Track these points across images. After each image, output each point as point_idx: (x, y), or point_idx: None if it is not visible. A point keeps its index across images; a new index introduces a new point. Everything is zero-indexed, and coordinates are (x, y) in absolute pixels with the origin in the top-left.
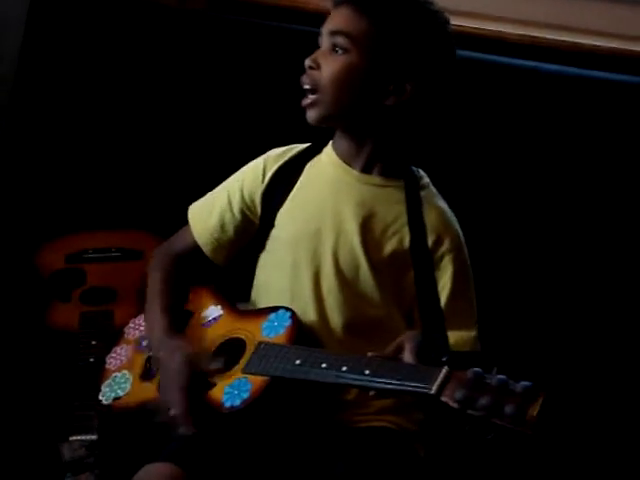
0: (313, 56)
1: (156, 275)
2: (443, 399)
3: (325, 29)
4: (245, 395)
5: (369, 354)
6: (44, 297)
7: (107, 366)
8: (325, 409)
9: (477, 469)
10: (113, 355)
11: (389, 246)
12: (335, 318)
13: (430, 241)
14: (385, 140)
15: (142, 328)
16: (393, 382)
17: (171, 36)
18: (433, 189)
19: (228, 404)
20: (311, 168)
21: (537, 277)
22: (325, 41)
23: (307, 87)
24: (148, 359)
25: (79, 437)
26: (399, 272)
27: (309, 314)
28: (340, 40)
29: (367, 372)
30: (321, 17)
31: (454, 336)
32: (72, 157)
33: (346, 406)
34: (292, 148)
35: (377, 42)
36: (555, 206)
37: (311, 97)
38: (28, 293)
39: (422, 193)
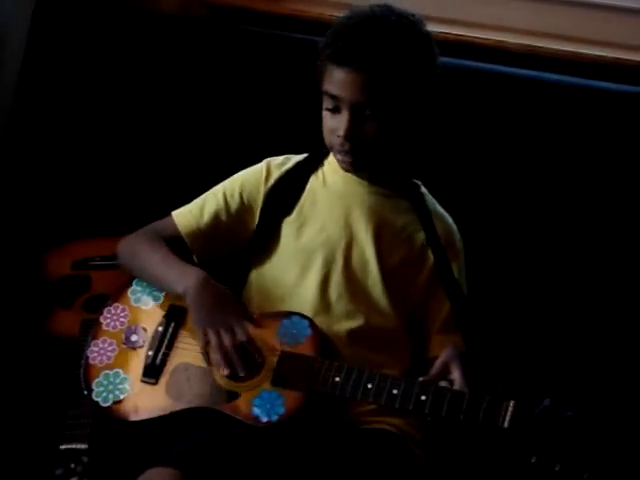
0: (348, 129)
1: (155, 247)
2: (515, 433)
3: (345, 99)
4: (281, 410)
5: (420, 378)
6: (47, 303)
7: (91, 362)
8: (333, 409)
9: (475, 472)
10: (95, 349)
11: (400, 253)
12: (341, 326)
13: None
14: (394, 154)
15: (122, 319)
16: (459, 414)
17: (172, 45)
18: (431, 197)
19: (264, 419)
20: (316, 179)
21: (534, 288)
22: (348, 110)
23: (349, 151)
24: (149, 358)
25: (69, 446)
26: (407, 279)
27: (315, 321)
28: (367, 111)
29: (423, 398)
30: (321, 26)
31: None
32: (81, 164)
33: (347, 404)
34: (290, 158)
35: (393, 96)
36: (556, 214)
37: (356, 158)
38: (32, 298)
39: (427, 203)
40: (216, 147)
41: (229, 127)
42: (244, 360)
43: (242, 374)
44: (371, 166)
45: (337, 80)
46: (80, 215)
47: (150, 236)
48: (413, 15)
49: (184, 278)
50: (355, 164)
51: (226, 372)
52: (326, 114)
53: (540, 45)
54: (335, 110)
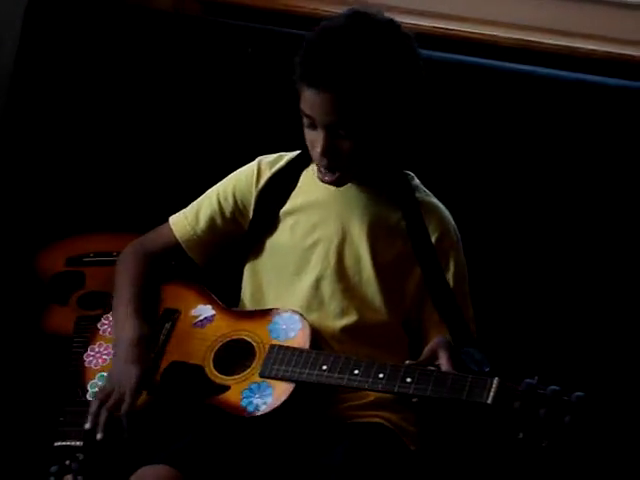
0: (324, 147)
1: (126, 276)
2: (499, 409)
3: (318, 120)
4: (269, 400)
5: (406, 362)
6: (42, 300)
7: (87, 365)
8: (322, 403)
9: (469, 467)
10: (92, 354)
11: (394, 249)
12: (336, 323)
13: (433, 240)
14: (375, 162)
15: None
16: (444, 392)
17: (166, 41)
18: (424, 189)
19: (251, 408)
20: (308, 176)
21: (532, 280)
22: (323, 130)
23: (329, 168)
24: None
25: (64, 443)
26: (401, 276)
27: (309, 318)
28: (341, 131)
29: (408, 380)
30: (315, 21)
31: None
32: (74, 159)
33: (341, 398)
34: (283, 155)
35: (370, 112)
36: (550, 209)
37: (337, 174)
38: (26, 295)
39: (417, 195)
40: (210, 143)
41: (223, 123)
42: (235, 355)
43: (99, 437)
44: (351, 180)
45: (309, 100)
46: (74, 211)
47: (135, 261)
48: (391, 22)
49: (121, 330)
50: (335, 182)
51: (87, 426)
52: (305, 126)
53: (533, 39)
54: (312, 126)
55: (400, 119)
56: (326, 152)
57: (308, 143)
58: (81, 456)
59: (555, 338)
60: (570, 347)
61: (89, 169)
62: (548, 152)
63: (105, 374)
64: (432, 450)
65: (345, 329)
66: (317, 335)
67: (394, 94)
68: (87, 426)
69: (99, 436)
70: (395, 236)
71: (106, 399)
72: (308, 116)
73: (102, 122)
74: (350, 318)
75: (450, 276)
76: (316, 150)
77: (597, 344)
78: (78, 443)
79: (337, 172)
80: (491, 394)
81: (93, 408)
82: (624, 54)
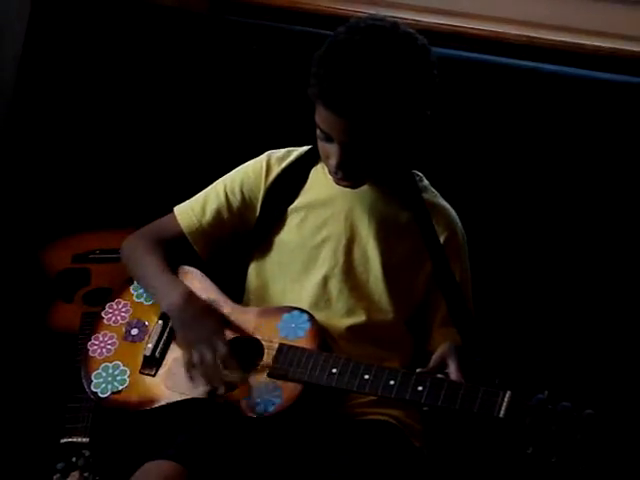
0: (339, 162)
1: (149, 256)
2: (511, 423)
3: (333, 137)
4: (277, 401)
5: (417, 370)
6: (48, 297)
7: (91, 354)
8: (329, 402)
9: (474, 464)
10: (96, 342)
11: (402, 248)
12: (342, 322)
13: (441, 241)
14: (397, 158)
15: (123, 314)
16: (456, 403)
17: (172, 38)
18: (433, 190)
19: (260, 409)
20: (317, 173)
21: (536, 277)
22: (338, 146)
23: (342, 178)
24: (149, 351)
25: (70, 439)
26: (409, 275)
27: (316, 317)
28: (355, 148)
29: (420, 388)
30: (320, 18)
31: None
32: (81, 156)
33: (347, 395)
34: (292, 151)
35: (388, 128)
36: (555, 206)
37: (352, 181)
38: (32, 292)
39: (425, 196)
40: (216, 140)
41: (229, 120)
42: (242, 352)
43: (221, 392)
44: (367, 182)
45: (324, 118)
46: (80, 208)
47: (146, 242)
48: (408, 37)
49: (167, 296)
50: (351, 185)
51: (207, 389)
52: (320, 137)
53: (538, 36)
54: (327, 140)
55: (415, 130)
56: (341, 165)
57: (322, 153)
58: (87, 452)
59: (561, 340)
60: (575, 351)
61: (96, 166)
62: (553, 148)
63: (110, 364)
64: (438, 448)
65: (351, 328)
66: (325, 335)
67: (411, 112)
68: (207, 389)
69: (221, 391)
70: (403, 235)
71: (203, 357)
72: (323, 130)
73: (109, 118)
74: (357, 318)
75: (457, 276)
76: (331, 162)
77: (601, 347)
78: (84, 440)
79: (350, 180)
80: (503, 408)
81: (200, 373)
82: (629, 50)
